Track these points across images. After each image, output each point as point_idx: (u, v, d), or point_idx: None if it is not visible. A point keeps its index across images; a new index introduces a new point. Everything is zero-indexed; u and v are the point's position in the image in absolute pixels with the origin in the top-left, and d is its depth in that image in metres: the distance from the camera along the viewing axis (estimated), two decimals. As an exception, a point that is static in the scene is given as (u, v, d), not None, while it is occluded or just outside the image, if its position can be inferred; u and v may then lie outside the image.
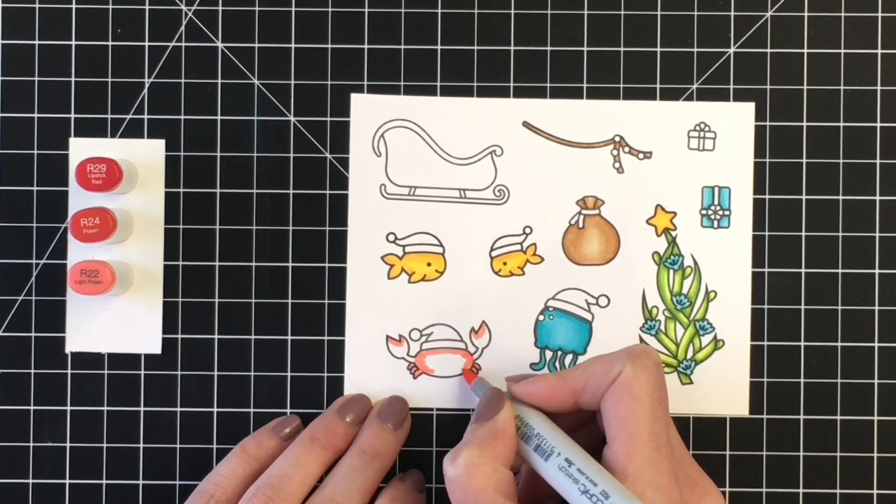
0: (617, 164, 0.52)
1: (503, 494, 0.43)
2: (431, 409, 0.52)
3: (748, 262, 0.52)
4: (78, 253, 0.52)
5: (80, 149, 0.52)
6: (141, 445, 0.52)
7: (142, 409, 0.52)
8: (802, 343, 0.52)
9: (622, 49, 0.52)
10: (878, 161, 0.52)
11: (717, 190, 0.52)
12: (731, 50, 0.52)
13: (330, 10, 0.52)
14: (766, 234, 0.52)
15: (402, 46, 0.52)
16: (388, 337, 0.52)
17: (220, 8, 0.52)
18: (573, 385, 0.46)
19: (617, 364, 0.44)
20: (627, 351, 0.45)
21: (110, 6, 0.52)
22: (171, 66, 0.52)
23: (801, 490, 0.52)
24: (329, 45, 0.52)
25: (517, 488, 0.45)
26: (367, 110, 0.52)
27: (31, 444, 0.52)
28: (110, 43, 0.52)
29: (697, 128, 0.52)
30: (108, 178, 0.50)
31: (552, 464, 0.44)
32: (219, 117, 0.52)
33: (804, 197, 0.52)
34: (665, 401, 0.45)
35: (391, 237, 0.52)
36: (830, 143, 0.52)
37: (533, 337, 0.52)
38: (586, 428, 0.47)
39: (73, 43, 0.52)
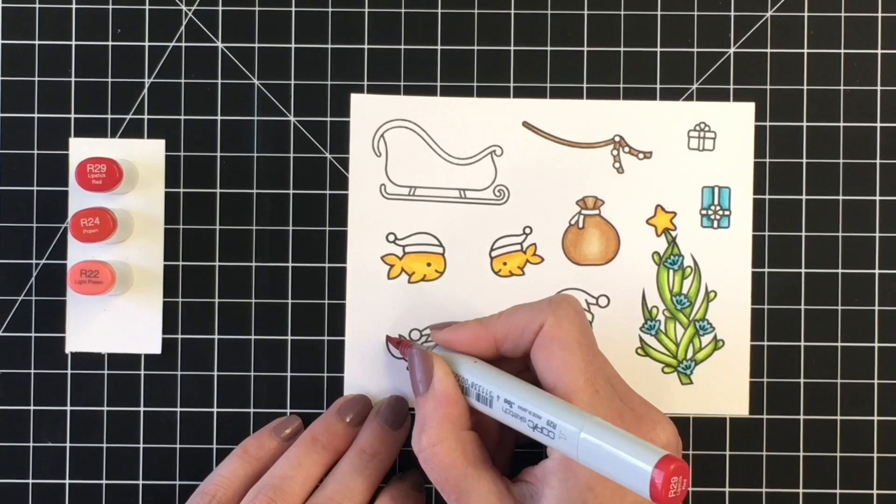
0: (617, 164, 0.52)
1: (472, 463, 0.45)
2: (431, 409, 0.52)
3: (748, 262, 0.52)
4: (78, 253, 0.52)
5: (80, 149, 0.52)
6: (141, 445, 0.52)
7: (142, 409, 0.52)
8: (802, 343, 0.52)
9: (622, 49, 0.52)
10: (878, 161, 0.52)
11: (717, 190, 0.52)
12: (731, 50, 0.52)
13: (330, 10, 0.52)
14: (766, 234, 0.52)
15: (402, 46, 0.52)
16: (388, 337, 0.52)
17: (220, 8, 0.52)
18: (495, 332, 0.46)
19: (539, 315, 0.45)
20: (548, 301, 0.46)
21: (110, 6, 0.52)
22: (171, 66, 0.52)
23: (801, 490, 0.52)
24: (329, 45, 0.52)
25: (482, 446, 0.46)
26: (367, 110, 0.52)
27: (31, 444, 0.52)
28: (110, 43, 0.52)
29: (697, 128, 0.52)
30: (108, 178, 0.50)
31: (497, 409, 0.44)
32: (219, 117, 0.52)
33: (804, 197, 0.52)
34: (594, 344, 0.45)
35: (391, 237, 0.52)
36: (830, 143, 0.52)
37: (533, 337, 0.52)
38: (527, 375, 0.47)
39: (73, 43, 0.52)
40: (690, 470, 0.39)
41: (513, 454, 0.51)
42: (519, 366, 0.48)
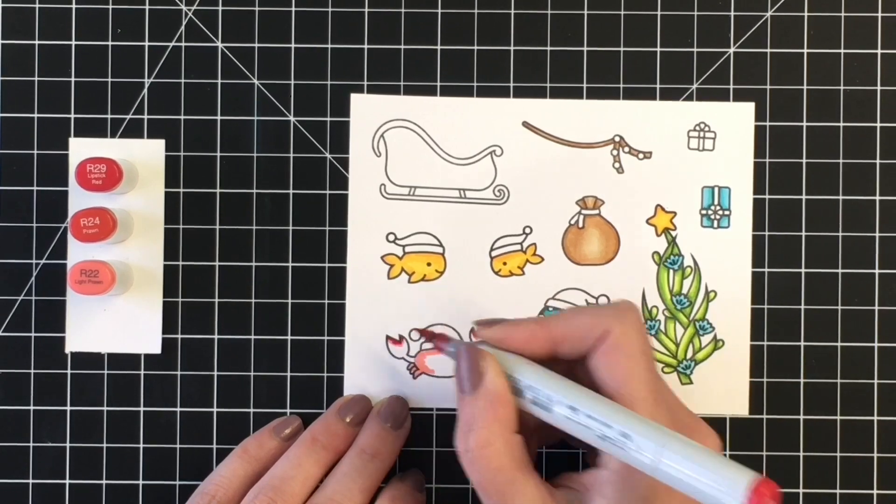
0: (617, 164, 0.52)
1: (519, 467, 0.43)
2: (431, 409, 0.52)
3: (748, 262, 0.52)
4: (78, 253, 0.52)
5: (80, 149, 0.52)
6: (141, 445, 0.52)
7: (142, 409, 0.52)
8: (802, 343, 0.52)
9: (622, 49, 0.52)
10: (878, 161, 0.52)
11: (717, 190, 0.52)
12: (731, 50, 0.52)
13: (330, 10, 0.52)
14: (766, 234, 0.52)
15: (402, 46, 0.52)
16: (388, 337, 0.52)
17: (220, 8, 0.52)
18: (554, 333, 0.45)
19: (604, 320, 0.44)
20: (614, 308, 0.45)
21: (110, 6, 0.52)
22: (171, 66, 0.52)
23: (801, 490, 0.52)
24: (329, 45, 0.52)
25: (526, 450, 0.44)
26: (367, 110, 0.52)
27: (31, 444, 0.52)
28: (110, 43, 0.52)
29: (697, 128, 0.52)
30: (108, 178, 0.50)
31: (557, 414, 0.43)
32: (219, 117, 0.52)
33: (804, 197, 0.52)
34: (653, 355, 0.45)
35: (391, 237, 0.52)
36: (830, 143, 0.52)
37: (533, 337, 0.52)
38: (572, 378, 0.46)
39: (73, 43, 0.52)
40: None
41: (535, 457, 0.50)
42: (563, 369, 0.46)
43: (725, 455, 0.45)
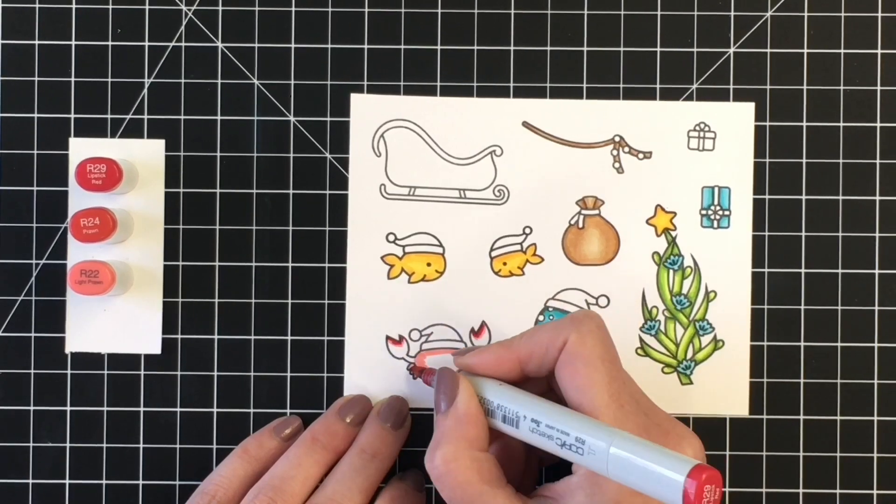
0: (617, 164, 0.52)
1: (488, 481, 0.44)
2: (431, 409, 0.52)
3: (748, 262, 0.52)
4: (78, 253, 0.52)
5: (80, 149, 0.52)
6: (141, 445, 0.52)
7: (142, 409, 0.52)
8: (802, 343, 0.52)
9: (622, 49, 0.52)
10: (878, 161, 0.52)
11: (716, 190, 0.52)
12: (731, 50, 0.52)
13: (330, 10, 0.52)
14: (766, 234, 0.52)
15: (402, 46, 0.52)
16: (387, 337, 0.52)
17: (220, 8, 0.52)
18: (519, 353, 0.46)
19: (562, 332, 0.45)
20: (570, 318, 0.46)
21: (110, 6, 0.52)
22: (171, 66, 0.52)
23: (801, 490, 0.52)
24: (329, 45, 0.52)
25: (498, 466, 0.45)
26: (367, 110, 0.52)
27: (31, 444, 0.52)
28: (110, 43, 0.52)
29: (697, 128, 0.52)
30: (108, 178, 0.50)
31: (524, 429, 0.44)
32: (219, 117, 0.52)
33: (804, 197, 0.52)
34: (617, 360, 0.45)
35: (391, 237, 0.52)
36: (830, 143, 0.52)
37: (533, 337, 0.52)
38: (551, 396, 0.47)
39: (73, 43, 0.52)
40: (724, 479, 0.38)
41: (537, 478, 0.50)
42: (542, 387, 0.47)
43: (705, 457, 0.45)
